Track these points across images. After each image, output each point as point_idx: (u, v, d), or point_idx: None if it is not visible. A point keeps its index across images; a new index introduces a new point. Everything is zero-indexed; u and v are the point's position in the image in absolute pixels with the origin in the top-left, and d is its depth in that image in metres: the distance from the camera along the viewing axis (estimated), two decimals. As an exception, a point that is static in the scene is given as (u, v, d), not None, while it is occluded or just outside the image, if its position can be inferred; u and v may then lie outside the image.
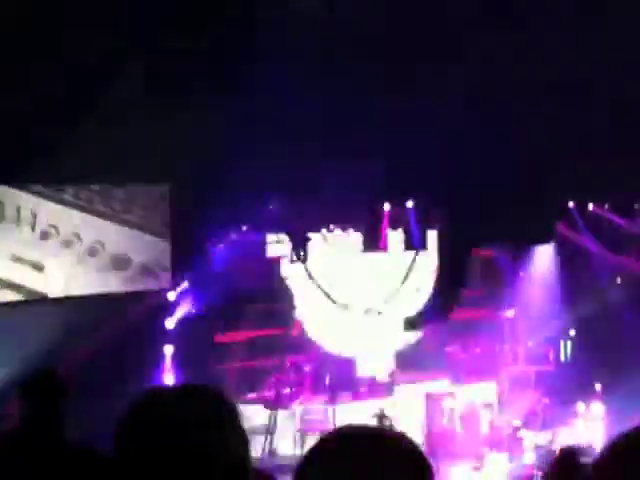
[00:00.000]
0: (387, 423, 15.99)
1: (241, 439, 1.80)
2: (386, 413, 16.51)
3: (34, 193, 13.67)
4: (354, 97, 12.03)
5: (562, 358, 21.21)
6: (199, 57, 10.30)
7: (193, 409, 1.78)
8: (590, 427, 18.56)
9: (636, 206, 19.65)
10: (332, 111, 12.29)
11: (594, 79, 12.04)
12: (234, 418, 1.81)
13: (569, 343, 21.30)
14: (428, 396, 18.33)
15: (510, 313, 20.38)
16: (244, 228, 16.60)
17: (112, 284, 14.61)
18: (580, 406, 19.25)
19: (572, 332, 21.18)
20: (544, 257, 20.74)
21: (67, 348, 13.04)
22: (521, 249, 19.86)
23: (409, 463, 1.63)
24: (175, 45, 8.51)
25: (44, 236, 13.93)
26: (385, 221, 16.58)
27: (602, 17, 11.87)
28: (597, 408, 18.85)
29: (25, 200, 13.62)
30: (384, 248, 16.74)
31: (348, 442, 1.64)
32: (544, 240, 18.21)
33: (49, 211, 13.94)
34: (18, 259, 13.69)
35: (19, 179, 13.41)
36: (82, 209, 14.20)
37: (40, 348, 13.04)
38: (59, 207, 14.01)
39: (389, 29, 11.81)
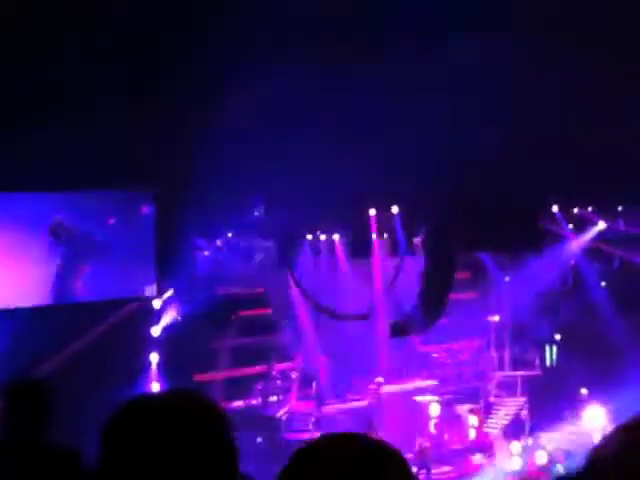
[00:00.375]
0: (373, 428, 15.98)
1: (229, 446, 1.79)
2: (374, 421, 16.50)
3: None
4: (343, 101, 11.99)
5: (548, 363, 21.24)
6: (186, 60, 10.26)
7: (180, 416, 1.76)
8: (576, 431, 18.58)
9: (619, 208, 19.73)
10: (319, 114, 12.27)
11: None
12: (222, 425, 1.79)
13: (555, 348, 21.33)
14: (415, 401, 18.33)
15: (496, 318, 20.41)
16: (230, 234, 16.54)
17: (98, 291, 14.53)
18: (566, 412, 19.28)
19: (558, 337, 21.22)
20: (531, 262, 20.76)
21: (53, 354, 12.97)
22: (508, 254, 19.89)
23: (390, 469, 1.63)
24: (159, 49, 8.44)
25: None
26: (371, 227, 16.57)
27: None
28: (583, 412, 18.87)
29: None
30: (370, 254, 16.74)
31: (329, 449, 1.63)
32: (531, 245, 18.24)
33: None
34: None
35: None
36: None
37: (26, 354, 12.96)
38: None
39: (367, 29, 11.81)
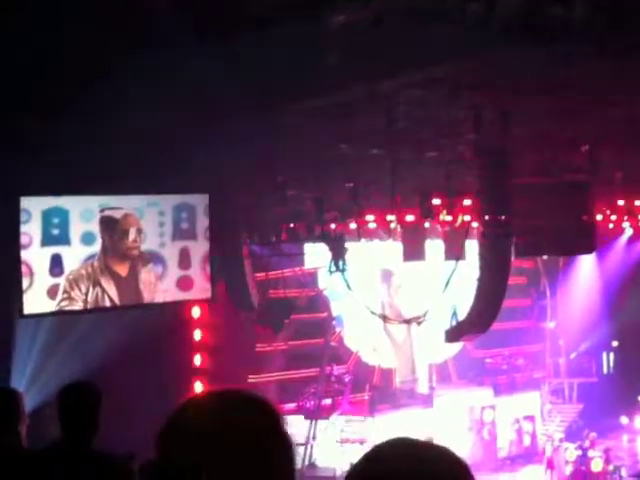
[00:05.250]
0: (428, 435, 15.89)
1: (287, 448, 1.76)
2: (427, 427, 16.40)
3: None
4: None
5: (605, 370, 20.93)
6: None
7: (237, 417, 1.74)
8: (634, 440, 18.31)
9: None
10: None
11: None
12: (280, 427, 1.76)
13: (612, 355, 21.02)
14: (469, 408, 18.20)
15: (552, 324, 20.17)
16: (282, 238, 16.52)
17: (154, 295, 14.62)
18: (623, 419, 18.99)
19: (615, 343, 20.90)
20: (586, 267, 20.50)
21: (104, 357, 13.10)
22: (563, 259, 19.63)
23: (455, 474, 1.59)
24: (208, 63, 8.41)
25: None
26: (424, 231, 16.45)
27: None
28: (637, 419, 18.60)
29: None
30: (423, 258, 16.61)
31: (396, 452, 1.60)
32: (586, 250, 17.97)
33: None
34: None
35: (65, 191, 13.47)
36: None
37: (78, 357, 13.13)
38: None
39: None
